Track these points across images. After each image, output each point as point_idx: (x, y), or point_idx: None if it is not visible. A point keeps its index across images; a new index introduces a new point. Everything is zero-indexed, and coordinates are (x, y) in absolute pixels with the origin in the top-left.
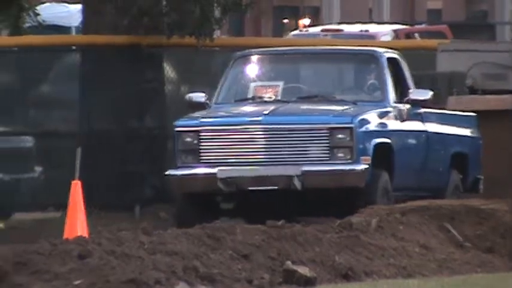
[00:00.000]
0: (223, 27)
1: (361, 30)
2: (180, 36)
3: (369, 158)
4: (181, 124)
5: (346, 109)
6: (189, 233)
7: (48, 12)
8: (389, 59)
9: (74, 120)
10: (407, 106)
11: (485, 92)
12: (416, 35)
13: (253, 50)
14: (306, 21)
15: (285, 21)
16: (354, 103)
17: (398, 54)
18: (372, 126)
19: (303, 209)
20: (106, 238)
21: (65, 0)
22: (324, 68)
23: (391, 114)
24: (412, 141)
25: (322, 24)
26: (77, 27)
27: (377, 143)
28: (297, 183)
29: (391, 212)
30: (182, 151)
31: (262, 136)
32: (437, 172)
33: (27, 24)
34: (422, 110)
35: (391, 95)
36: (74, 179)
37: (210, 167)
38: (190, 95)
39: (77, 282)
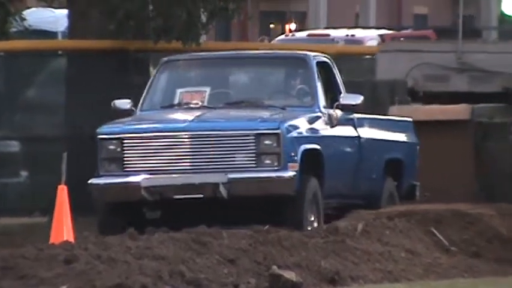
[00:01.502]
0: (209, 32)
1: (347, 35)
2: (167, 40)
3: (297, 164)
4: (104, 131)
5: (274, 114)
6: (176, 238)
7: (34, 17)
8: (319, 63)
9: (60, 125)
10: (338, 111)
11: (426, 94)
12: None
13: (180, 55)
14: (293, 26)
15: (271, 26)
16: (283, 108)
17: (328, 58)
18: (300, 132)
19: (230, 217)
20: (92, 243)
21: (51, 5)
22: (253, 72)
23: (320, 120)
24: (343, 147)
25: (309, 29)
26: (63, 32)
27: (305, 149)
28: (223, 191)
29: (377, 217)
30: (105, 159)
31: (187, 143)
32: (371, 179)
33: (13, 29)
34: (355, 115)
35: (321, 100)
36: (60, 184)
37: (134, 175)
38: (115, 101)
39: (63, 287)
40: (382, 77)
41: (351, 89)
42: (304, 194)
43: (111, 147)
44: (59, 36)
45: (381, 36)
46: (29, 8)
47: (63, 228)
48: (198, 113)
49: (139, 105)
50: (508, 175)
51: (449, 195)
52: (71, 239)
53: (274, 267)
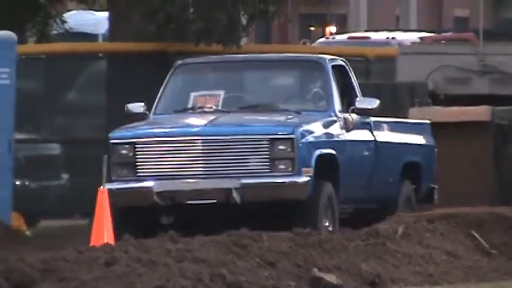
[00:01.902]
0: (250, 35)
1: (388, 38)
2: (207, 43)
3: (311, 169)
4: (117, 136)
5: (288, 119)
6: (216, 241)
7: (75, 20)
8: (335, 67)
9: (100, 128)
10: (354, 115)
11: (447, 97)
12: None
13: (194, 58)
14: (333, 28)
15: (312, 28)
16: (298, 112)
17: (344, 62)
18: (315, 137)
19: (244, 223)
20: (132, 245)
21: (91, 7)
22: (268, 76)
23: (336, 124)
24: (359, 151)
25: (349, 32)
26: (103, 35)
27: (320, 154)
28: (236, 197)
29: (418, 220)
30: (117, 164)
31: (200, 148)
32: (388, 183)
33: (54, 32)
34: (372, 118)
35: (337, 104)
36: (100, 186)
37: (146, 180)
38: (129, 105)
39: None
40: (403, 80)
41: (371, 91)
42: (318, 199)
43: (124, 151)
44: (100, 38)
45: (421, 38)
46: (69, 10)
47: (103, 230)
48: (211, 117)
49: (153, 109)
50: None
51: (469, 198)
52: (112, 242)
53: (315, 269)
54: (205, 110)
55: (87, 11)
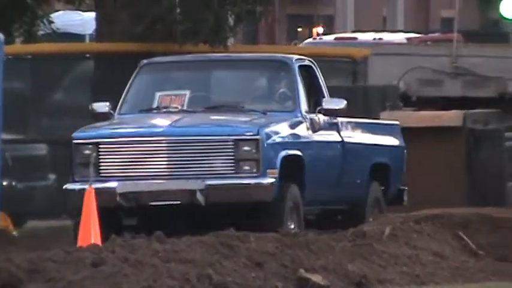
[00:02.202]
0: (237, 35)
1: (375, 39)
2: (194, 44)
3: (276, 171)
4: (80, 136)
5: (253, 119)
6: (203, 241)
7: (62, 20)
8: (302, 67)
9: None
10: (321, 116)
11: (419, 99)
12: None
13: (160, 57)
14: (320, 29)
15: (299, 29)
16: (264, 113)
17: (312, 62)
18: (280, 138)
19: (208, 224)
20: (119, 246)
21: (79, 8)
22: (234, 76)
23: (302, 125)
24: (326, 152)
25: (336, 33)
26: (90, 35)
27: (286, 155)
28: (200, 198)
29: (405, 221)
30: (81, 164)
31: (165, 148)
32: (356, 184)
33: (41, 32)
34: (339, 119)
35: (303, 104)
36: (87, 187)
37: (109, 181)
38: (93, 104)
39: None
40: (375, 82)
41: (342, 94)
42: (283, 201)
43: (87, 152)
44: (87, 39)
45: (408, 39)
46: (57, 11)
47: (90, 231)
48: (176, 117)
49: (118, 108)
50: (499, 182)
51: (441, 203)
52: (99, 242)
53: (302, 270)
54: (171, 110)
55: (74, 12)
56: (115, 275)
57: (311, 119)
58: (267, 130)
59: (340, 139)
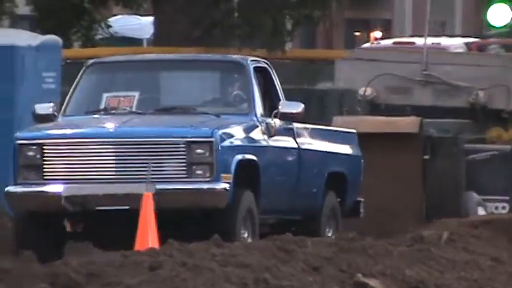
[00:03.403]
0: (295, 40)
1: (433, 43)
2: (251, 48)
3: (231, 176)
4: (23, 136)
5: (207, 121)
6: (260, 246)
7: (120, 24)
8: (257, 69)
9: None
10: (277, 120)
11: (388, 107)
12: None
13: (107, 58)
14: (378, 34)
15: (357, 34)
16: (217, 116)
17: (267, 64)
18: (235, 141)
19: (159, 231)
20: (177, 250)
21: (137, 12)
22: (186, 77)
23: (257, 129)
24: (281, 158)
25: (394, 37)
26: (148, 39)
27: (240, 160)
28: None
29: (462, 225)
30: (23, 166)
31: (112, 150)
32: (311, 193)
33: (99, 36)
34: (295, 125)
35: (258, 107)
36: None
37: (54, 184)
38: (36, 106)
39: None
40: (340, 86)
41: (298, 97)
42: (237, 208)
43: (30, 153)
44: (144, 43)
45: (467, 44)
46: (115, 15)
47: (148, 235)
48: (124, 118)
49: (62, 110)
50: (454, 192)
51: (395, 212)
52: (156, 246)
53: (359, 275)
54: (119, 111)
55: (132, 16)
56: (172, 279)
57: (266, 123)
58: (221, 132)
59: (296, 145)
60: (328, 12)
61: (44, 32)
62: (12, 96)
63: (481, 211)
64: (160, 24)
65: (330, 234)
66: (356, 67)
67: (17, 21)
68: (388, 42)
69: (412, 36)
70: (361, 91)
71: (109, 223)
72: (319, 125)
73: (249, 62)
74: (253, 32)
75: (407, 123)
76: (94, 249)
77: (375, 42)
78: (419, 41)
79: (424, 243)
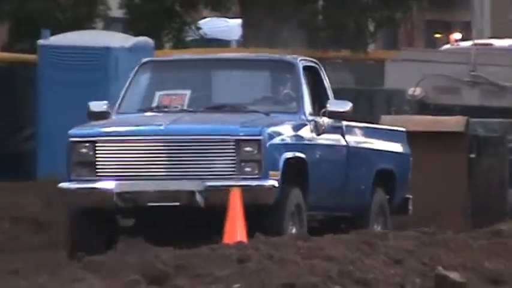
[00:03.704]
0: (377, 41)
1: (510, 45)
2: (335, 49)
3: (279, 173)
4: (76, 134)
5: (256, 120)
6: (345, 239)
7: (209, 27)
8: (306, 68)
9: None
10: (325, 118)
11: (437, 107)
12: None
13: (161, 57)
14: (458, 35)
15: (437, 35)
16: (266, 114)
17: (316, 63)
18: (283, 139)
19: (208, 227)
20: (264, 243)
21: (225, 15)
22: (237, 76)
23: (306, 127)
24: (329, 155)
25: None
26: (237, 41)
27: (288, 157)
28: (200, 200)
29: None
30: (76, 163)
31: (163, 148)
32: (359, 190)
33: (189, 38)
34: (344, 123)
35: (307, 106)
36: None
37: (106, 180)
38: (90, 103)
39: (236, 286)
40: (390, 87)
41: (347, 97)
42: (285, 204)
43: (83, 150)
44: (233, 44)
45: None
46: (204, 18)
47: (236, 229)
48: (175, 116)
49: (116, 107)
50: (500, 190)
51: (442, 210)
52: (244, 240)
53: (440, 268)
54: (171, 109)
55: (220, 18)
56: (259, 271)
57: (315, 122)
58: (270, 131)
59: (344, 143)
60: (409, 14)
61: (136, 33)
62: (106, 95)
63: None
64: (248, 26)
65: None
66: (404, 68)
67: (110, 24)
68: (467, 43)
69: (490, 37)
70: (410, 91)
71: (160, 219)
72: (368, 123)
73: (298, 61)
74: (337, 34)
75: (453, 123)
76: (146, 245)
77: (455, 43)
78: (497, 42)
79: (502, 237)
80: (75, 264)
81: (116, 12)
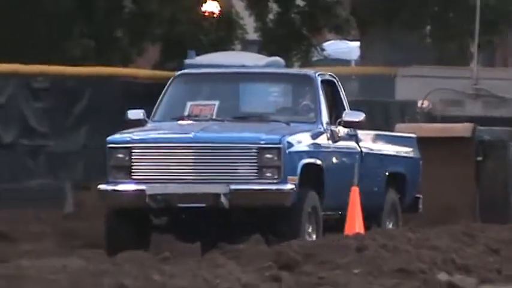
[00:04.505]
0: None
1: None
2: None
3: (296, 178)
4: (113, 140)
5: (277, 129)
6: (449, 231)
7: (332, 48)
8: (324, 81)
9: None
10: (341, 128)
11: (443, 118)
12: None
13: (192, 70)
14: None
15: None
16: (287, 123)
17: (334, 77)
18: (301, 147)
19: (232, 226)
20: (379, 234)
21: (346, 38)
22: (261, 88)
23: (323, 135)
24: (344, 161)
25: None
26: (355, 60)
27: (306, 163)
28: (224, 202)
29: None
30: (114, 167)
31: (192, 153)
32: (373, 191)
33: (315, 58)
34: (359, 131)
35: (324, 116)
36: (353, 185)
37: (140, 183)
38: (128, 112)
39: (356, 271)
40: (402, 99)
41: (363, 108)
42: (302, 206)
43: (120, 155)
44: (352, 63)
45: None
46: (328, 40)
47: (355, 222)
48: (204, 125)
49: (151, 116)
50: (504, 191)
51: (453, 210)
52: (362, 231)
53: None
54: (201, 118)
55: (342, 41)
56: (375, 258)
57: (331, 130)
58: (289, 139)
59: (358, 149)
60: (505, 38)
61: (269, 54)
62: None
63: None
64: (365, 48)
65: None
66: (413, 83)
67: (246, 45)
68: None
69: None
70: (419, 103)
71: (189, 218)
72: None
73: (317, 75)
74: (441, 55)
75: (461, 129)
76: (176, 242)
77: None
78: None
79: None
80: (216, 253)
81: (252, 35)
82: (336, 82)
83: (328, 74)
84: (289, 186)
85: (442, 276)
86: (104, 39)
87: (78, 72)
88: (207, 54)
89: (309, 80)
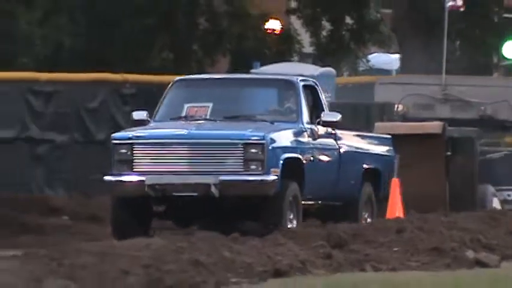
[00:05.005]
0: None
1: None
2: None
3: (278, 170)
4: (117, 137)
5: (261, 127)
6: (475, 216)
7: (376, 60)
8: (306, 86)
9: None
10: (320, 127)
11: (417, 120)
12: None
13: (189, 76)
14: None
15: None
16: (271, 122)
17: (314, 83)
18: (283, 142)
19: (222, 213)
20: (416, 218)
21: (388, 50)
22: (249, 92)
23: (304, 133)
24: (322, 156)
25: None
26: (396, 70)
27: (287, 157)
28: (215, 191)
29: None
30: (117, 161)
31: (186, 148)
32: (350, 184)
33: (361, 68)
34: (338, 131)
35: (305, 116)
36: (393, 178)
37: (140, 175)
38: (133, 113)
39: (395, 249)
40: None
41: (348, 110)
42: (284, 195)
43: (123, 150)
44: (393, 73)
45: None
46: (372, 53)
47: (396, 208)
48: (198, 124)
49: (153, 116)
50: (471, 183)
51: (427, 199)
52: (401, 216)
53: None
54: (196, 118)
55: (384, 53)
56: (413, 239)
57: (311, 129)
58: (272, 136)
59: (336, 146)
60: None
61: (322, 65)
62: None
63: (495, 201)
64: (404, 59)
65: (366, 217)
66: (390, 89)
67: (303, 57)
68: None
69: None
70: (394, 107)
71: (184, 205)
72: (363, 131)
73: (298, 81)
74: (470, 66)
75: (433, 126)
76: (174, 226)
77: None
78: None
79: None
80: (277, 233)
81: (308, 49)
82: (317, 87)
83: (310, 79)
84: (272, 177)
85: (470, 254)
86: (182, 52)
87: (161, 80)
88: (270, 65)
89: (291, 85)
